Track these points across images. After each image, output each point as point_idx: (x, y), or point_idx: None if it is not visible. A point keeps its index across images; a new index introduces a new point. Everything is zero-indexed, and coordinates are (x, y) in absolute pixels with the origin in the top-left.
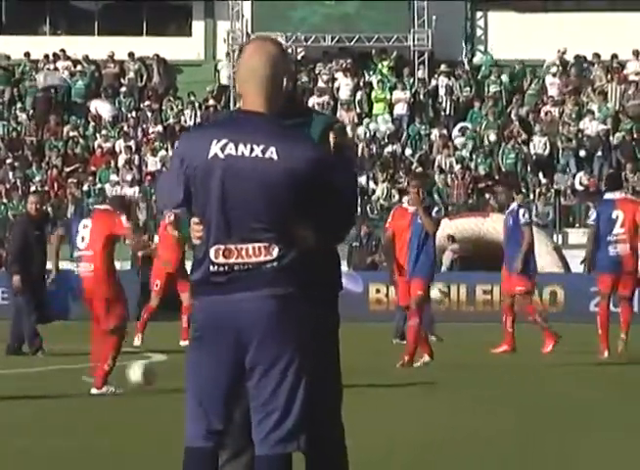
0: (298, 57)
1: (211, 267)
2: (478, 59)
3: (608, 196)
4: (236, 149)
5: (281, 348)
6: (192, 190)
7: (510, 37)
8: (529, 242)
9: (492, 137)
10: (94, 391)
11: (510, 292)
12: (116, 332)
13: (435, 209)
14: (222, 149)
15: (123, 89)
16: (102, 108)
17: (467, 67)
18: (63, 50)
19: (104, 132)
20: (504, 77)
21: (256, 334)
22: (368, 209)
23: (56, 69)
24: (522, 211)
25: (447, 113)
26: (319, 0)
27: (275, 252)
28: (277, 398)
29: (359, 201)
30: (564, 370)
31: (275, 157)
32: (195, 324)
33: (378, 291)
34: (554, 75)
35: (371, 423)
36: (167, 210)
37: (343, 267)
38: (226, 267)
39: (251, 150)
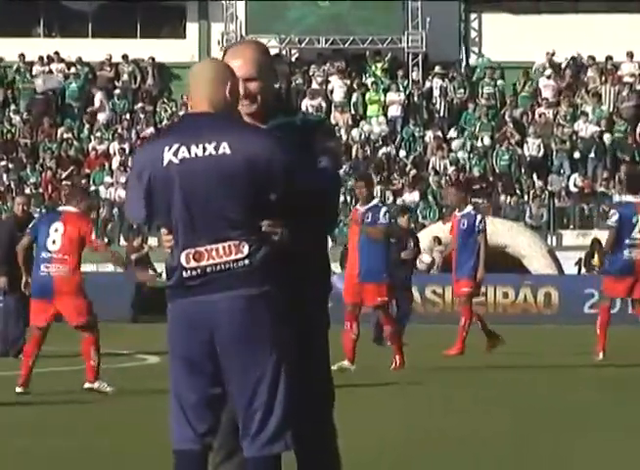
0: (292, 59)
1: (184, 273)
2: (472, 61)
3: (629, 198)
4: (189, 151)
5: (257, 348)
6: (154, 201)
7: (504, 39)
8: (485, 248)
9: (486, 139)
10: (87, 385)
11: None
12: (90, 326)
13: (383, 210)
14: (175, 154)
15: (117, 91)
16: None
17: (462, 69)
18: (57, 52)
19: (98, 134)
20: (498, 79)
21: (231, 335)
22: None
23: (50, 71)
24: (478, 217)
25: (441, 114)
26: (313, 1)
27: (245, 249)
28: (257, 398)
29: (352, 203)
30: (558, 371)
31: (228, 151)
32: (170, 328)
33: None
34: (548, 78)
35: (362, 424)
36: (140, 220)
37: (337, 269)
38: (199, 271)
39: (204, 149)
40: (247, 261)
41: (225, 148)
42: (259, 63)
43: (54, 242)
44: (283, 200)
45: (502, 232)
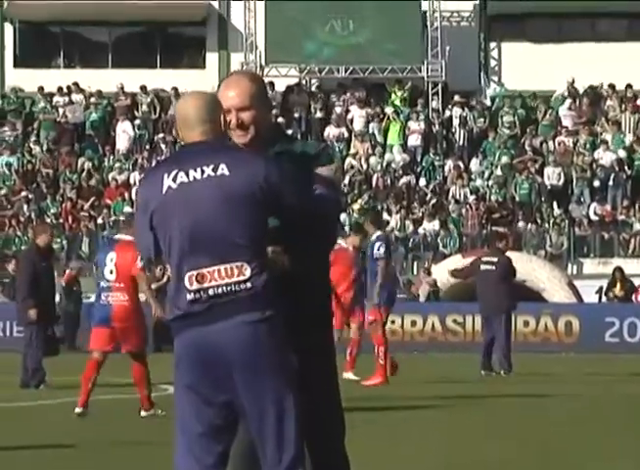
0: (313, 88)
1: (188, 296)
2: (491, 90)
3: None
4: (187, 175)
5: (264, 376)
6: (158, 230)
7: (524, 68)
8: (383, 274)
9: (506, 168)
10: (143, 413)
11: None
12: (142, 355)
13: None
14: (174, 179)
15: (137, 122)
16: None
17: (483, 98)
18: (76, 83)
19: (118, 165)
20: (518, 108)
21: (237, 364)
22: None
23: (71, 102)
24: (377, 244)
25: (461, 143)
26: (332, 31)
27: (248, 271)
28: (269, 428)
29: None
30: (575, 399)
31: (227, 171)
32: (175, 360)
33: (392, 322)
34: (568, 107)
35: (368, 451)
36: (151, 263)
37: None
38: (202, 293)
39: (202, 172)
40: (249, 284)
41: (224, 169)
42: (252, 92)
43: (111, 271)
44: (283, 223)
45: (520, 266)
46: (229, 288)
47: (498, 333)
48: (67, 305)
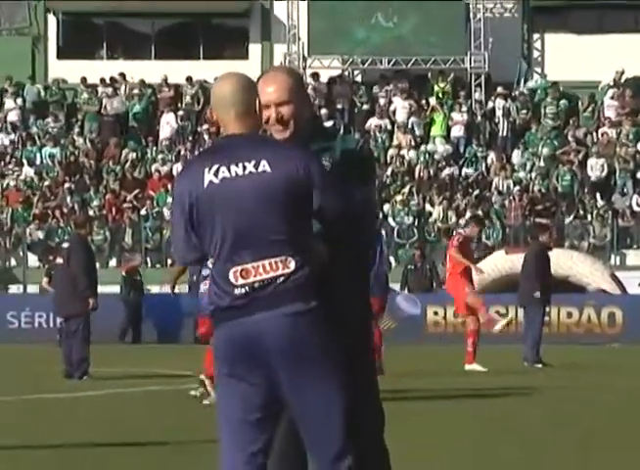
0: (356, 79)
1: (235, 290)
2: (533, 81)
3: None
4: (229, 171)
5: (307, 368)
6: (197, 227)
7: (567, 59)
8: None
9: (549, 159)
10: (206, 401)
11: None
12: None
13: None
14: (216, 174)
15: (180, 113)
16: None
17: (524, 89)
18: (122, 73)
19: (161, 156)
20: (561, 99)
21: (278, 355)
22: (425, 231)
23: (115, 93)
24: None
25: (504, 135)
26: (376, 22)
27: (292, 264)
28: (313, 421)
29: (416, 222)
30: (616, 391)
31: (268, 168)
32: (215, 352)
33: (435, 313)
34: (611, 97)
35: (411, 448)
36: (187, 262)
37: (399, 290)
38: (247, 288)
39: (244, 168)
40: (293, 277)
41: (265, 166)
42: (291, 87)
43: None
44: (322, 221)
45: (563, 262)
46: (273, 281)
47: (531, 323)
48: (126, 294)
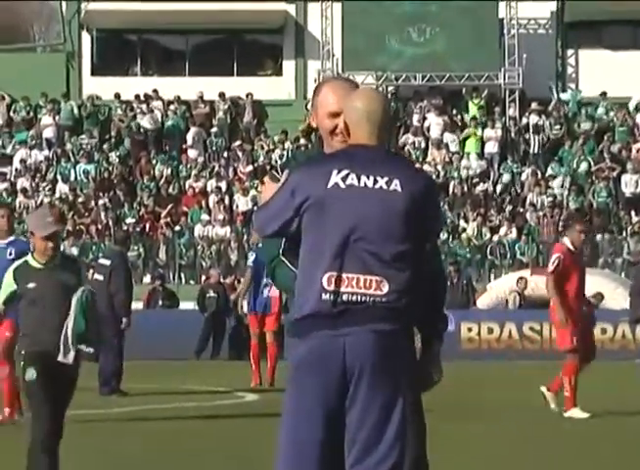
0: (389, 96)
1: (323, 295)
2: (566, 96)
3: None
4: (358, 180)
5: (385, 384)
6: (302, 220)
7: (601, 74)
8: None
9: (584, 175)
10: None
11: None
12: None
13: None
14: (343, 179)
15: (214, 129)
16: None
17: (560, 105)
18: (155, 90)
19: (195, 172)
20: (595, 115)
21: (361, 370)
22: (458, 247)
23: (150, 110)
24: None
25: (538, 151)
26: (409, 38)
27: (385, 288)
28: (379, 436)
29: (449, 239)
30: None
31: (399, 189)
32: (296, 363)
33: (469, 330)
34: None
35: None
36: (266, 233)
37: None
38: (335, 295)
39: (375, 181)
40: (383, 300)
41: (397, 185)
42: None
43: None
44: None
45: (598, 288)
46: (364, 298)
47: None
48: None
